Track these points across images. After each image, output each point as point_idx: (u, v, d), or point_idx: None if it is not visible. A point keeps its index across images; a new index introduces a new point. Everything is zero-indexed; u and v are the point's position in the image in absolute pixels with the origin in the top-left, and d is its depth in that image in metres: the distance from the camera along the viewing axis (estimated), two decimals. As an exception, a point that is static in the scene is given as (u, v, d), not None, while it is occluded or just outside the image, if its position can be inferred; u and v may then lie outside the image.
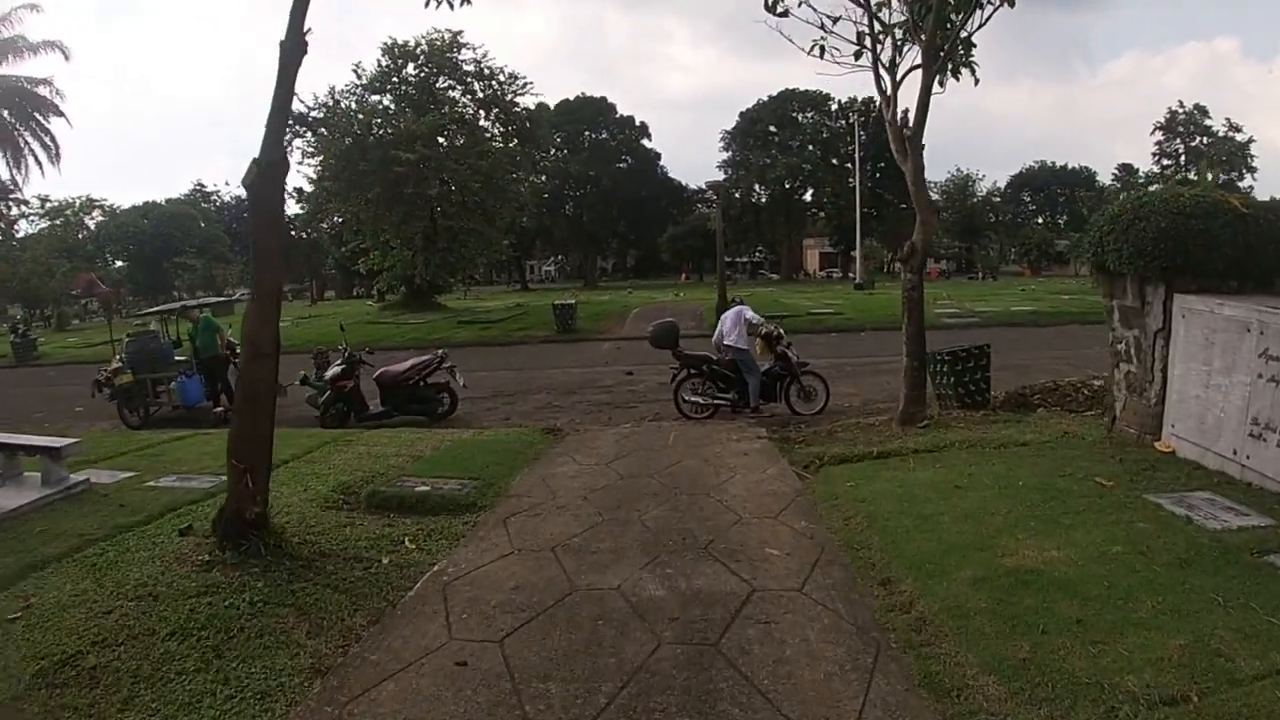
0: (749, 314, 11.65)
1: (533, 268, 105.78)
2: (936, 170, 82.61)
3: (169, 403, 14.29)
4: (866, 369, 15.86)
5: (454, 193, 33.94)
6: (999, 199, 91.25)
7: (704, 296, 41.45)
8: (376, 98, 33.07)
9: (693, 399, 11.60)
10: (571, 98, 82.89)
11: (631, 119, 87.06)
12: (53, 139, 35.10)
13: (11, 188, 64.67)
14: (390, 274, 33.90)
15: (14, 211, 65.54)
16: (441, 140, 31.43)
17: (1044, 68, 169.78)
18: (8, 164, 35.16)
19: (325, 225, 36.78)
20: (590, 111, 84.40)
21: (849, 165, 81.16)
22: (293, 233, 70.86)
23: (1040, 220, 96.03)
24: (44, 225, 70.07)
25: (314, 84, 33.63)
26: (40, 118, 34.47)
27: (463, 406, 13.41)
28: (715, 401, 11.56)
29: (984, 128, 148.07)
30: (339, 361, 12.76)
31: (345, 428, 12.13)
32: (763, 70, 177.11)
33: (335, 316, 35.32)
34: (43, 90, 33.98)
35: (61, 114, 34.84)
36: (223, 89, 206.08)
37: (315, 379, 12.93)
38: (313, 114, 31.16)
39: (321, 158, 31.67)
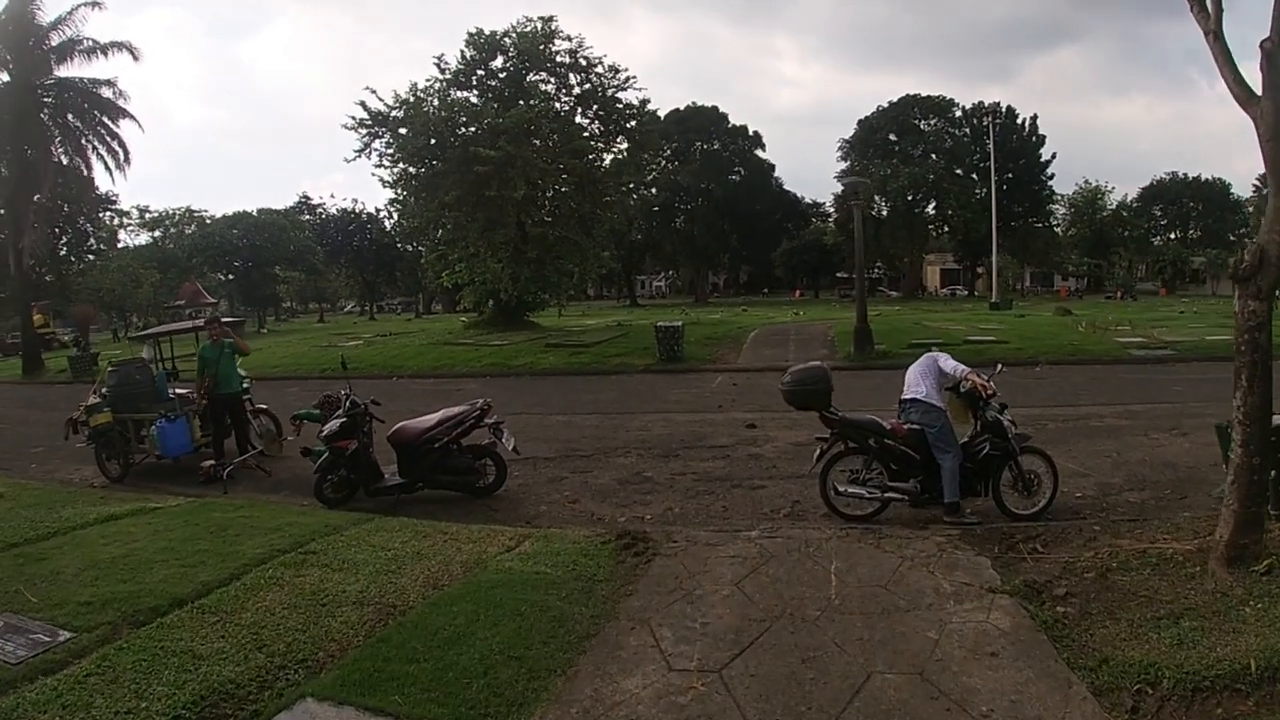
0: (946, 362, 7.61)
1: (643, 283, 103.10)
2: (1060, 183, 77.38)
3: (152, 451, 11.29)
4: (1073, 426, 11.52)
5: (545, 197, 30.52)
6: (1128, 213, 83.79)
7: (828, 315, 37.15)
8: (462, 94, 29.98)
9: (851, 490, 7.51)
10: (682, 107, 79.38)
11: (744, 129, 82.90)
12: (121, 143, 33.38)
13: (113, 197, 66.36)
14: (475, 289, 30.93)
15: (115, 221, 67.26)
16: (535, 142, 28.13)
17: (1159, 81, 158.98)
18: (80, 166, 33.99)
19: (429, 238, 34.12)
20: (701, 121, 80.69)
21: (974, 176, 75.54)
22: (397, 245, 70.22)
23: (1173, 235, 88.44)
24: (144, 237, 71.61)
25: (398, 81, 30.79)
26: (109, 121, 33.09)
27: (524, 473, 9.83)
28: (887, 495, 7.44)
29: (1100, 144, 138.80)
30: (339, 413, 9.26)
31: (352, 503, 8.93)
32: (871, 83, 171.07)
33: (422, 334, 32.69)
34: (106, 92, 32.46)
35: (131, 116, 33.31)
36: (338, 106, 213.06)
37: (321, 429, 9.47)
38: (394, 114, 28.36)
39: (401, 163, 28.89)
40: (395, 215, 31.38)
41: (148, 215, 71.62)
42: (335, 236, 78.99)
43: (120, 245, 68.05)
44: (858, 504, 7.53)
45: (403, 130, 28.25)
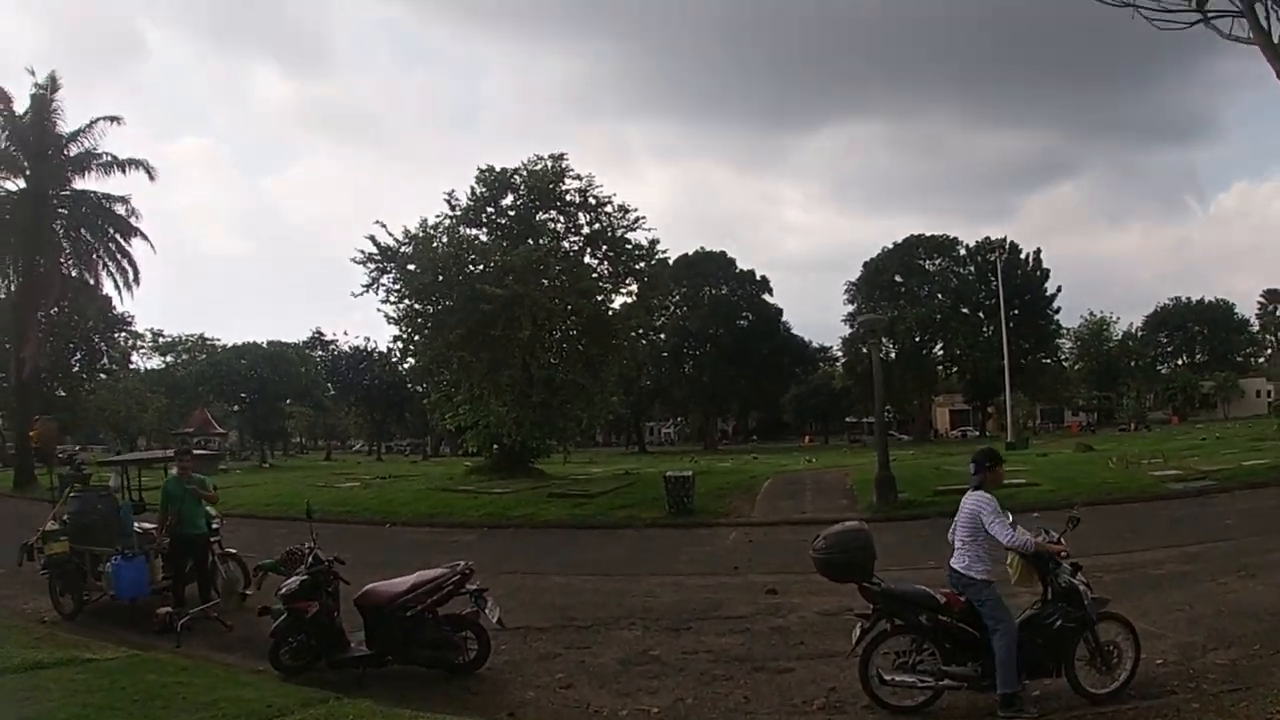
0: (996, 526, 6.24)
1: (651, 429, 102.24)
2: (1065, 316, 77.07)
3: (107, 589, 10.33)
4: (1132, 576, 10.39)
5: (552, 338, 29.77)
6: (1134, 343, 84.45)
7: (843, 462, 35.89)
8: (471, 231, 30.00)
9: (900, 679, 6.25)
10: (690, 253, 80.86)
11: (752, 273, 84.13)
12: (131, 261, 33.67)
13: (129, 318, 66.94)
14: (477, 432, 30.01)
15: (128, 342, 67.46)
16: (544, 281, 27.87)
17: (1155, 208, 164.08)
18: (90, 281, 34.03)
19: (434, 378, 33.64)
20: (709, 266, 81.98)
21: (981, 314, 75.80)
22: (407, 385, 70.06)
23: (1180, 361, 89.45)
24: (156, 360, 71.77)
25: (408, 216, 30.94)
26: (121, 238, 33.23)
27: (512, 646, 8.60)
28: (943, 683, 6.19)
29: (1102, 275, 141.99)
30: (300, 570, 8.16)
31: (312, 672, 7.82)
32: (874, 226, 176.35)
33: (422, 478, 31.51)
34: (120, 208, 32.82)
35: (142, 235, 33.58)
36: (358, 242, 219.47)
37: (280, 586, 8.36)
38: (403, 249, 28.25)
39: (407, 299, 28.58)
40: (400, 355, 30.68)
41: (161, 339, 72.20)
42: (346, 373, 79.17)
43: (133, 367, 68.47)
44: (907, 693, 6.28)
45: (411, 266, 28.05)
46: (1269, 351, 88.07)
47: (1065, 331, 78.51)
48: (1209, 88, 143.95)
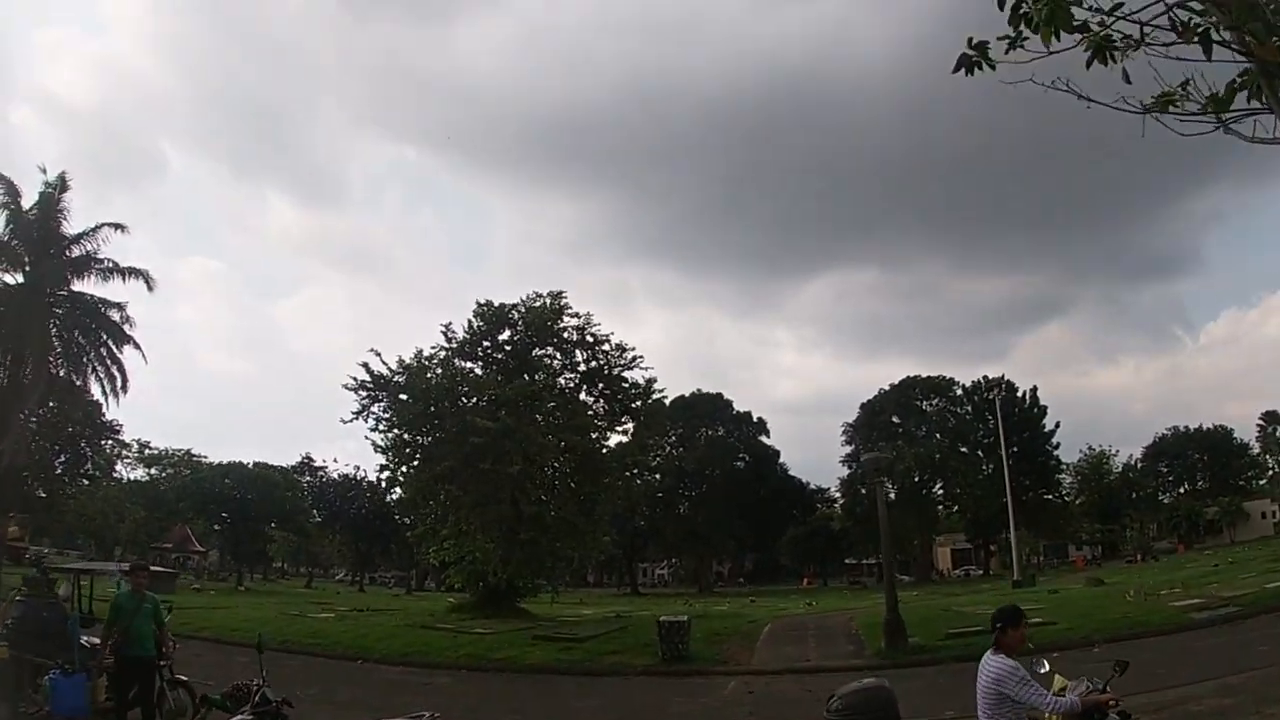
0: (1027, 689, 5.27)
1: (645, 570, 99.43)
2: (1061, 453, 77.38)
3: (43, 704, 9.50)
4: (1172, 715, 9.66)
5: (543, 474, 28.77)
6: (1134, 474, 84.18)
7: (844, 605, 34.39)
8: (467, 364, 29.64)
9: None
10: (687, 394, 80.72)
11: (749, 414, 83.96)
12: (121, 368, 32.82)
13: (117, 426, 65.61)
14: (462, 568, 28.64)
15: (113, 450, 65.87)
16: (537, 418, 27.24)
17: (1144, 341, 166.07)
18: (77, 383, 33.38)
19: (420, 511, 32.56)
20: (706, 407, 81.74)
21: (980, 453, 75.52)
22: (395, 516, 68.38)
23: (1181, 490, 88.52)
24: (140, 472, 70.22)
25: (407, 348, 30.56)
26: (112, 344, 32.67)
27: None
28: None
29: (1095, 411, 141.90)
30: (245, 710, 7.15)
31: None
32: (868, 369, 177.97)
33: (402, 613, 29.91)
34: (114, 314, 32.23)
35: (135, 344, 32.78)
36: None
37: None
38: (396, 378, 27.77)
39: (396, 429, 27.86)
40: (386, 484, 29.65)
41: (147, 451, 70.80)
42: (334, 501, 77.42)
43: (116, 476, 66.93)
44: None
45: (403, 396, 27.51)
46: (1270, 473, 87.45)
47: (1065, 467, 78.52)
48: (1190, 221, 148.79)
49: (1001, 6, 3.83)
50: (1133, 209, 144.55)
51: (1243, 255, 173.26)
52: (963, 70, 4.02)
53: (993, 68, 3.96)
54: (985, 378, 75.13)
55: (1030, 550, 74.96)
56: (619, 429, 30.70)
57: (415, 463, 28.29)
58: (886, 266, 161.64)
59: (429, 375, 28.05)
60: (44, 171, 32.15)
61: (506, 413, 25.48)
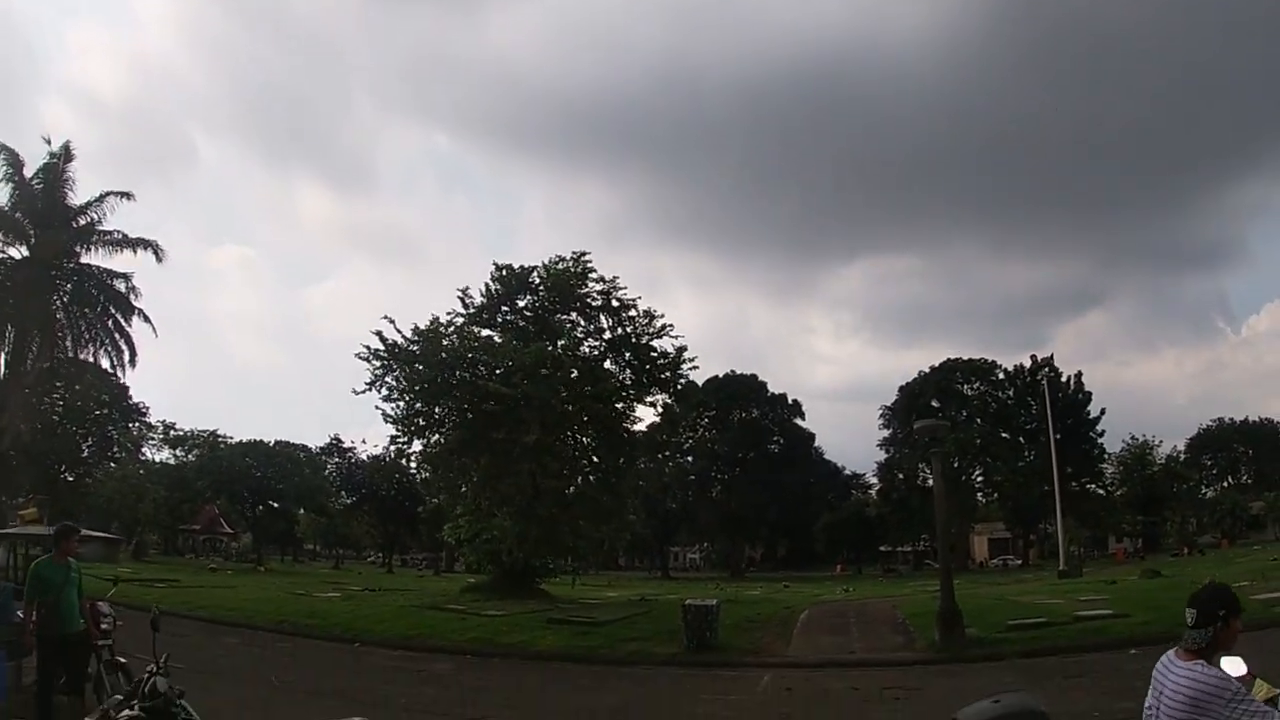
0: (1226, 707, 3.35)
1: (676, 554, 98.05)
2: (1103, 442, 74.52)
3: None
4: None
5: (564, 444, 26.90)
6: (1176, 466, 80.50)
7: (883, 593, 32.51)
8: (485, 331, 27.94)
9: None
10: (720, 375, 78.76)
11: (783, 397, 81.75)
12: (129, 341, 32.24)
13: (144, 409, 65.93)
14: (476, 547, 27.04)
15: (139, 433, 66.13)
16: (560, 388, 25.37)
17: (1186, 334, 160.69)
18: (79, 355, 32.74)
19: (437, 487, 31.15)
20: (740, 389, 79.70)
21: (1021, 439, 72.76)
22: (423, 497, 67.58)
23: (1225, 484, 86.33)
24: (166, 453, 70.39)
25: (420, 314, 28.91)
26: (120, 316, 31.75)
27: None
28: None
29: (1135, 403, 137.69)
30: (132, 705, 5.38)
31: None
32: (905, 357, 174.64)
33: (416, 593, 28.49)
34: (120, 285, 31.46)
35: (143, 314, 32.11)
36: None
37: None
38: (411, 347, 26.13)
39: (408, 397, 26.20)
40: (395, 454, 28.05)
41: (172, 433, 70.72)
42: (362, 482, 76.83)
43: (143, 457, 67.16)
44: None
45: (419, 366, 25.87)
46: None
47: (1108, 456, 76.07)
48: (1235, 212, 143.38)
49: None
50: (1176, 197, 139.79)
51: None
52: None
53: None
54: (1034, 356, 72.38)
55: (1073, 540, 72.68)
56: (647, 401, 28.83)
57: (428, 434, 26.71)
58: (924, 252, 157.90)
59: (444, 342, 26.41)
60: (48, 143, 31.48)
61: (523, 378, 23.74)
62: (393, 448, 27.46)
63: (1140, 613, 16.52)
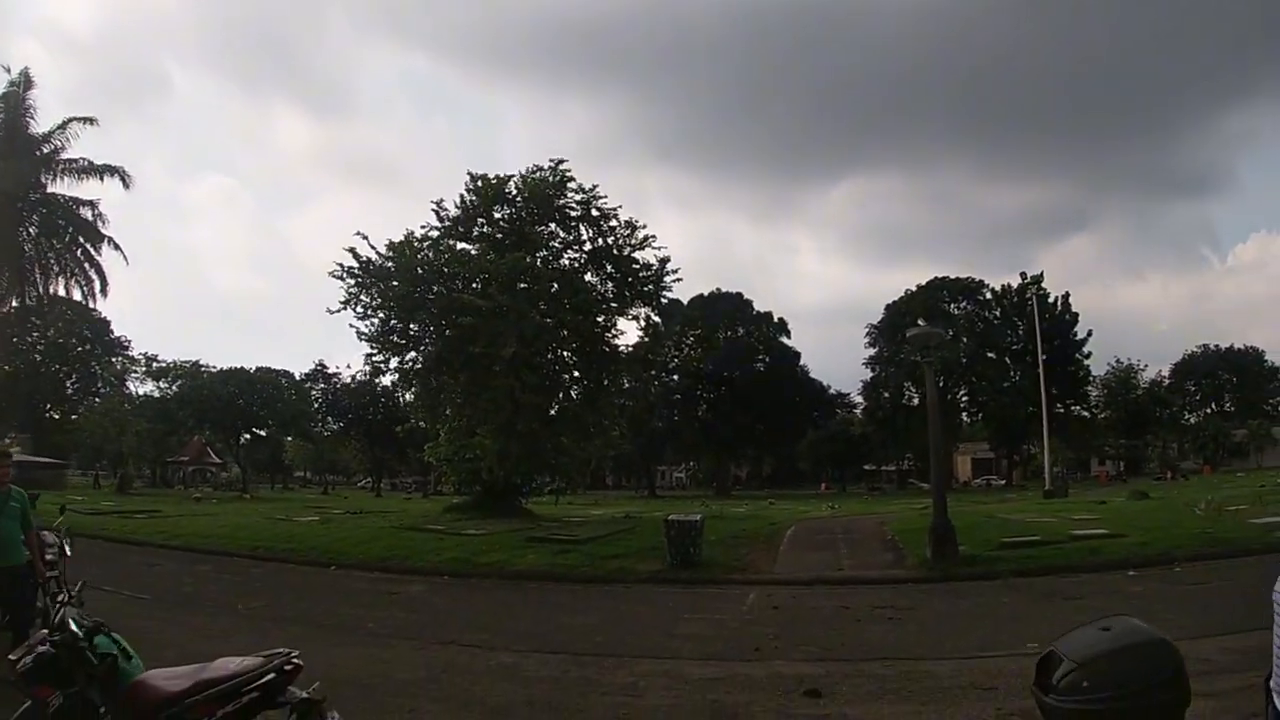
0: None
1: (663, 474, 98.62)
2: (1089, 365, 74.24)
3: None
4: None
5: (544, 359, 25.97)
6: (1162, 391, 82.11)
7: (869, 510, 32.41)
8: (463, 246, 26.75)
9: None
10: (705, 293, 77.68)
11: (769, 315, 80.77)
12: (99, 270, 31.79)
13: (126, 342, 65.24)
14: (456, 466, 26.47)
15: (121, 367, 65.46)
16: (538, 300, 24.35)
17: (1171, 260, 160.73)
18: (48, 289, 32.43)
19: (417, 406, 30.45)
20: (725, 306, 78.75)
21: (1007, 360, 72.59)
22: (411, 421, 67.17)
23: (1208, 410, 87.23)
24: (150, 385, 69.79)
25: (394, 230, 27.62)
26: (89, 245, 30.93)
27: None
28: None
29: (1119, 328, 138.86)
30: (42, 636, 4.64)
31: None
32: (889, 278, 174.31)
33: (399, 515, 28.04)
34: (87, 212, 30.74)
35: (113, 242, 31.59)
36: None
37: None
38: (386, 264, 25.02)
39: (382, 314, 25.20)
40: (369, 373, 26.99)
41: (155, 365, 69.83)
42: (348, 407, 76.21)
43: (127, 391, 66.76)
44: None
45: (393, 283, 24.79)
46: None
47: (1092, 379, 76.29)
48: (1225, 140, 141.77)
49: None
50: (1165, 122, 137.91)
51: (1277, 176, 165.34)
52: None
53: None
54: (1023, 274, 71.60)
55: (1058, 462, 73.42)
56: (629, 315, 27.94)
57: (405, 352, 25.80)
58: (910, 172, 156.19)
59: (419, 256, 25.30)
60: (7, 70, 30.37)
61: (499, 290, 22.75)
62: (367, 367, 26.35)
63: (1135, 533, 16.15)
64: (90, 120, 30.24)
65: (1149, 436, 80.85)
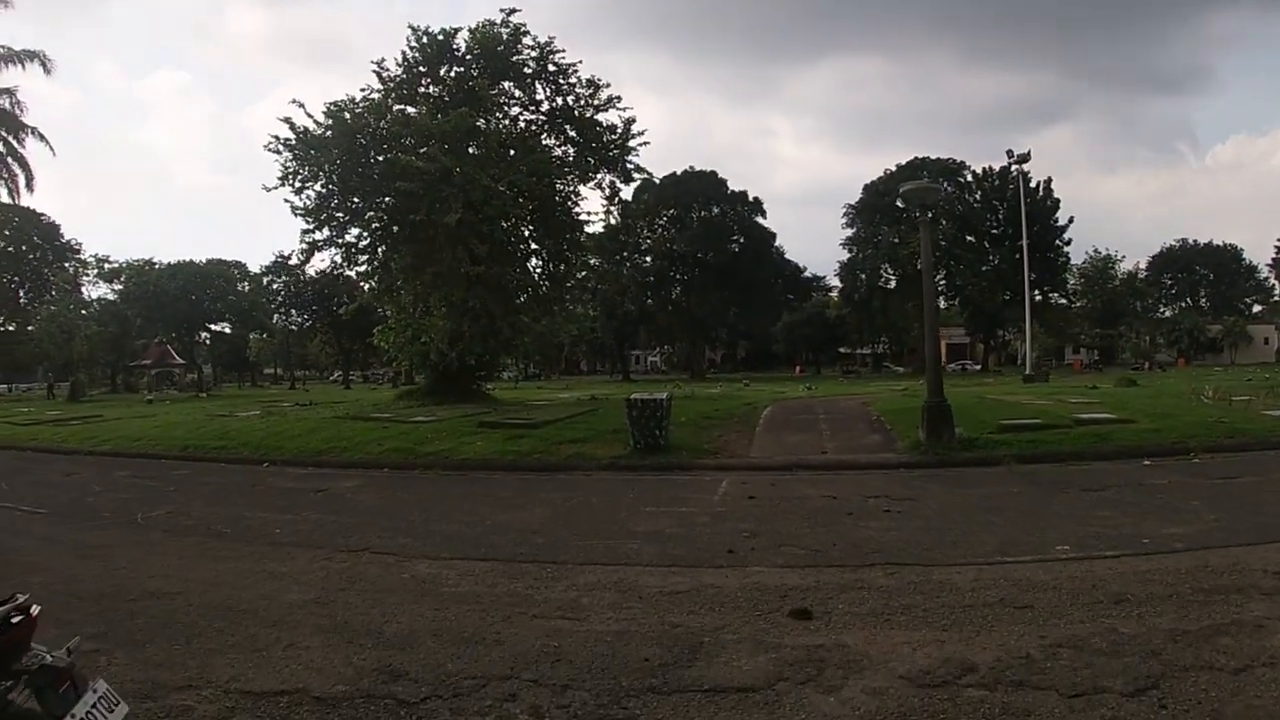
0: None
1: (637, 358, 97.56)
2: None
3: None
4: None
5: (496, 227, 23.40)
6: (1139, 282, 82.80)
7: (849, 390, 31.23)
8: (407, 109, 24.06)
9: None
10: (678, 171, 74.35)
11: (744, 194, 77.71)
12: (23, 163, 30.18)
13: (76, 245, 62.24)
14: (408, 352, 24.63)
15: (73, 271, 62.77)
16: (492, 171, 21.93)
17: (1147, 155, 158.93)
18: None
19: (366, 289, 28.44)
20: (699, 185, 75.60)
21: (986, 244, 71.07)
22: (377, 311, 64.89)
23: (1183, 304, 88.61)
24: (103, 288, 67.21)
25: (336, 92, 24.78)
26: (9, 136, 28.63)
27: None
28: None
29: (1093, 221, 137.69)
30: None
31: None
32: (866, 163, 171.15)
33: (348, 405, 26.39)
34: (4, 101, 28.62)
35: (37, 132, 29.38)
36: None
37: None
38: (326, 134, 22.51)
39: (317, 187, 22.78)
40: (304, 252, 24.54)
41: (106, 266, 66.73)
42: (311, 300, 73.56)
43: (82, 297, 64.40)
44: None
45: (333, 150, 22.27)
46: (1275, 299, 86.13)
47: (1070, 268, 75.84)
48: (1207, 41, 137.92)
49: None
50: (1150, 17, 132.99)
51: (1259, 81, 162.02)
52: None
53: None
54: (1009, 152, 68.97)
55: (1038, 347, 73.14)
56: (590, 182, 25.62)
57: (347, 229, 23.52)
58: (890, 56, 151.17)
59: (359, 121, 22.74)
60: None
61: (443, 153, 20.37)
62: (303, 245, 23.95)
63: (1144, 419, 14.72)
64: (4, 3, 27.97)
65: (1123, 328, 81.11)
